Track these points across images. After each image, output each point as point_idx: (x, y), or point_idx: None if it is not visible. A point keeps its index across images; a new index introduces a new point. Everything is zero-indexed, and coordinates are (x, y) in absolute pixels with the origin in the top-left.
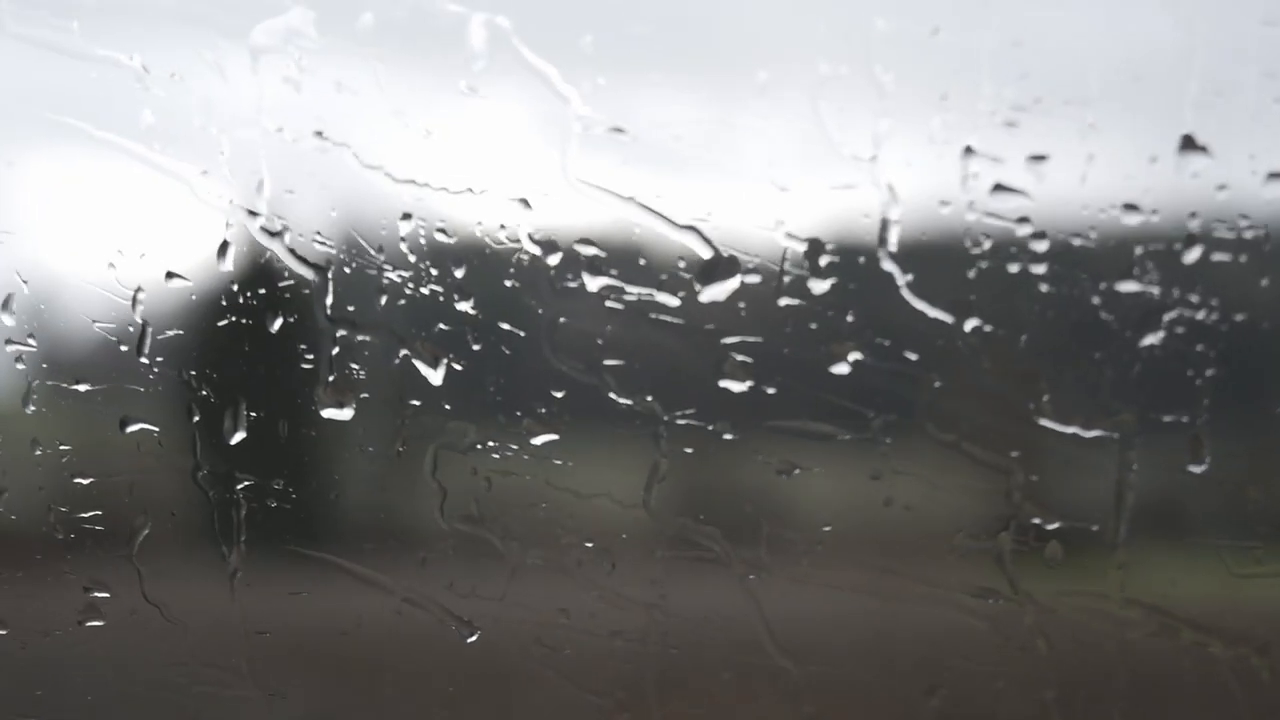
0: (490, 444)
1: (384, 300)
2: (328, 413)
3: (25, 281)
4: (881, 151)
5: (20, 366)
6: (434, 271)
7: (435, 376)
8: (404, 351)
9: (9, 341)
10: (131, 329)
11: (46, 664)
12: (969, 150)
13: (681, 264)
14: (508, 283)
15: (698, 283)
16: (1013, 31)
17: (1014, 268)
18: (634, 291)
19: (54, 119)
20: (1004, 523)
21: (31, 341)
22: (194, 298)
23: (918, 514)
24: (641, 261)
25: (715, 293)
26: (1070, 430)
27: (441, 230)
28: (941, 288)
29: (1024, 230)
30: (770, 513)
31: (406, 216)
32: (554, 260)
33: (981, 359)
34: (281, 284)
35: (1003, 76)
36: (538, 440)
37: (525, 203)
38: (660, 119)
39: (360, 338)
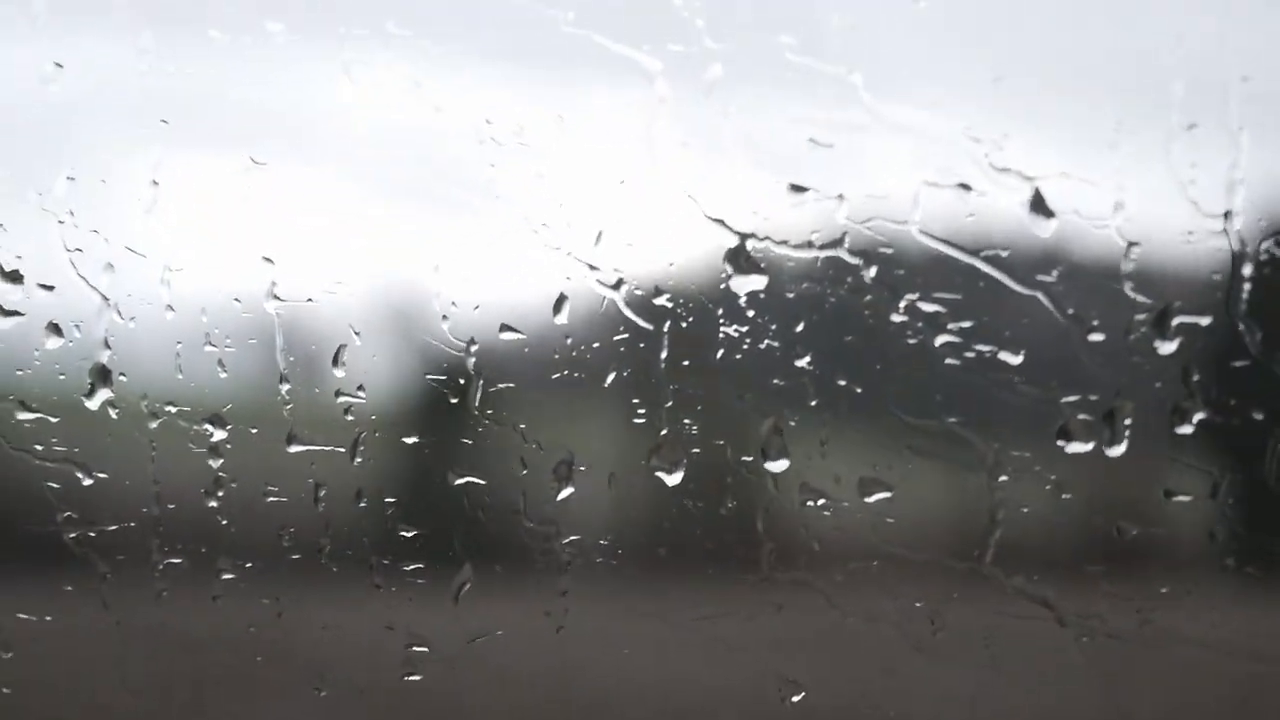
0: (822, 501)
1: (719, 355)
2: (660, 473)
3: (358, 333)
4: (1235, 206)
5: (349, 418)
6: (772, 326)
7: (771, 445)
8: (738, 404)
9: (339, 393)
10: (463, 381)
11: None
12: None
13: (1025, 321)
14: (847, 337)
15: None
16: None
17: None
18: (977, 348)
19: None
20: None
21: (361, 393)
22: (527, 350)
23: (1261, 577)
24: (985, 318)
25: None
26: None
27: (781, 283)
28: None
29: None
30: (1108, 573)
31: (745, 270)
32: (895, 315)
33: None
34: (617, 337)
35: None
36: (871, 498)
37: (866, 257)
38: (1009, 175)
39: (694, 392)
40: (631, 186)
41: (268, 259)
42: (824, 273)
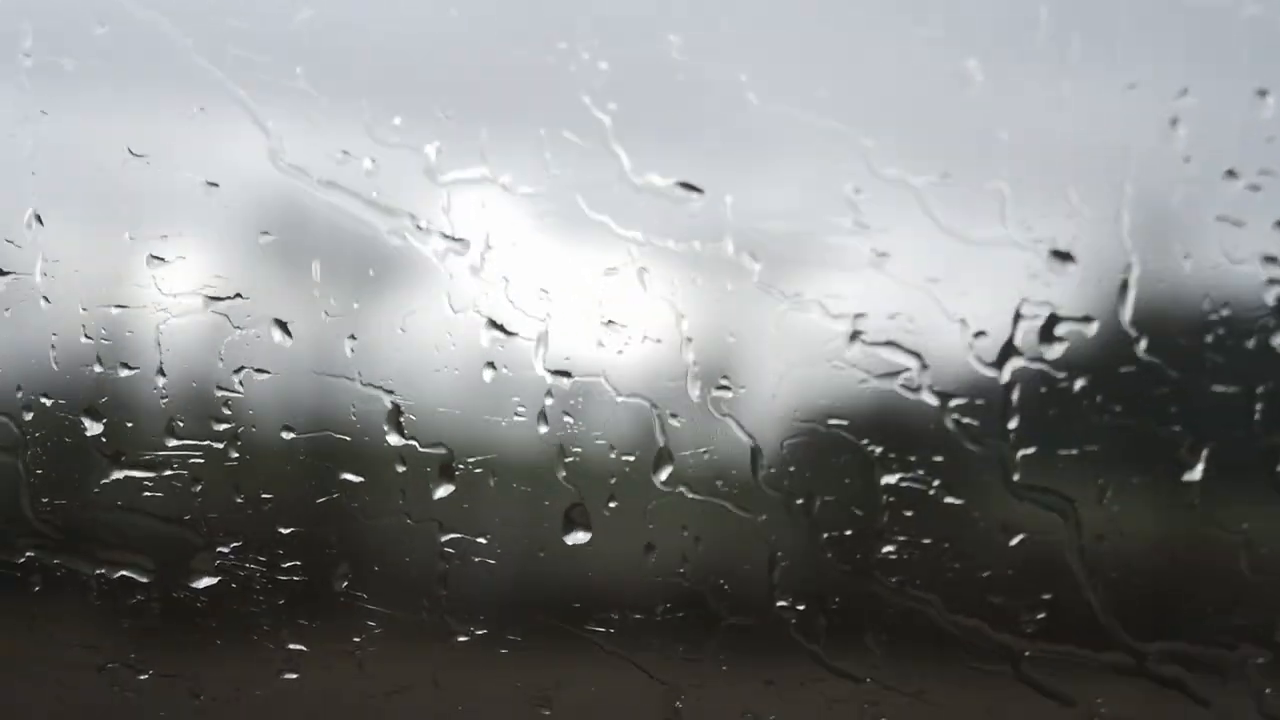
0: (700, 497)
1: (610, 352)
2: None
3: (238, 328)
4: (1125, 207)
5: (226, 411)
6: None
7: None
8: (620, 399)
9: (219, 387)
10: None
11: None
12: None
13: (915, 322)
14: (730, 339)
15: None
16: None
17: None
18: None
19: None
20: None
21: (240, 387)
22: (416, 351)
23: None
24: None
25: None
26: None
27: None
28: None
29: None
30: (990, 584)
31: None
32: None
33: None
34: (495, 337)
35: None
36: (744, 512)
37: (754, 255)
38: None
39: (579, 380)
40: (518, 188)
41: (155, 256)
42: (711, 270)
